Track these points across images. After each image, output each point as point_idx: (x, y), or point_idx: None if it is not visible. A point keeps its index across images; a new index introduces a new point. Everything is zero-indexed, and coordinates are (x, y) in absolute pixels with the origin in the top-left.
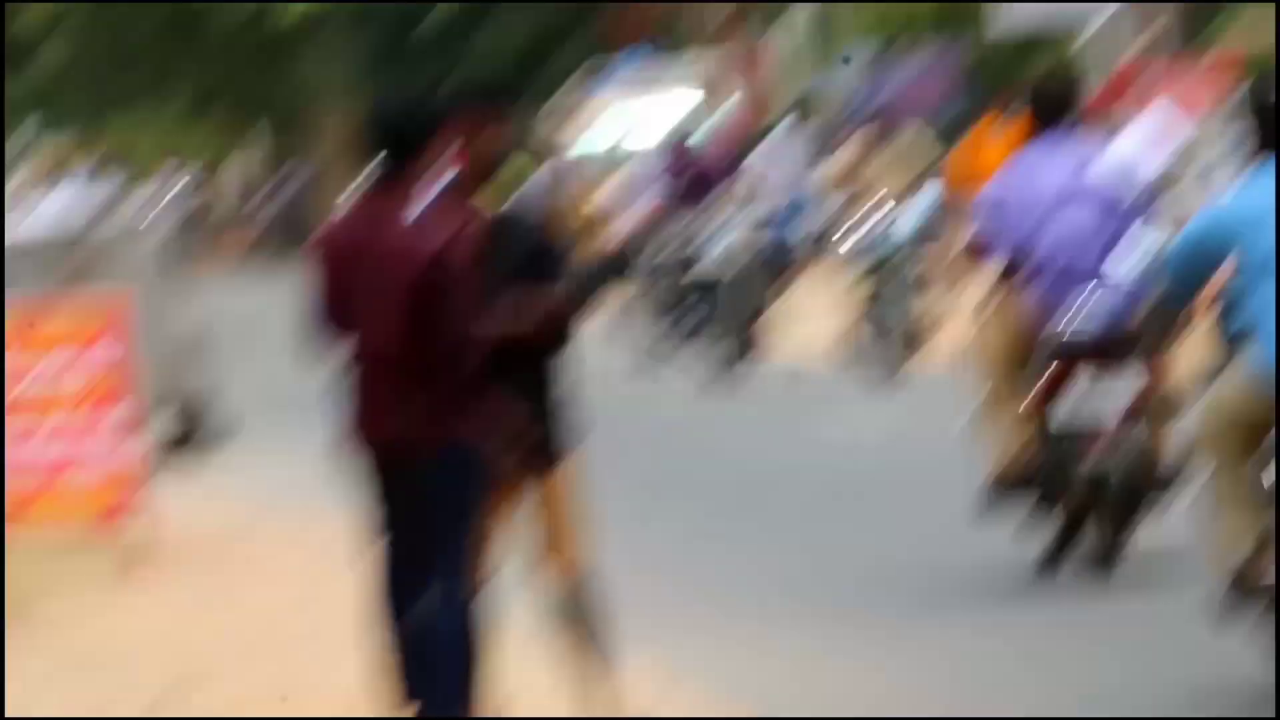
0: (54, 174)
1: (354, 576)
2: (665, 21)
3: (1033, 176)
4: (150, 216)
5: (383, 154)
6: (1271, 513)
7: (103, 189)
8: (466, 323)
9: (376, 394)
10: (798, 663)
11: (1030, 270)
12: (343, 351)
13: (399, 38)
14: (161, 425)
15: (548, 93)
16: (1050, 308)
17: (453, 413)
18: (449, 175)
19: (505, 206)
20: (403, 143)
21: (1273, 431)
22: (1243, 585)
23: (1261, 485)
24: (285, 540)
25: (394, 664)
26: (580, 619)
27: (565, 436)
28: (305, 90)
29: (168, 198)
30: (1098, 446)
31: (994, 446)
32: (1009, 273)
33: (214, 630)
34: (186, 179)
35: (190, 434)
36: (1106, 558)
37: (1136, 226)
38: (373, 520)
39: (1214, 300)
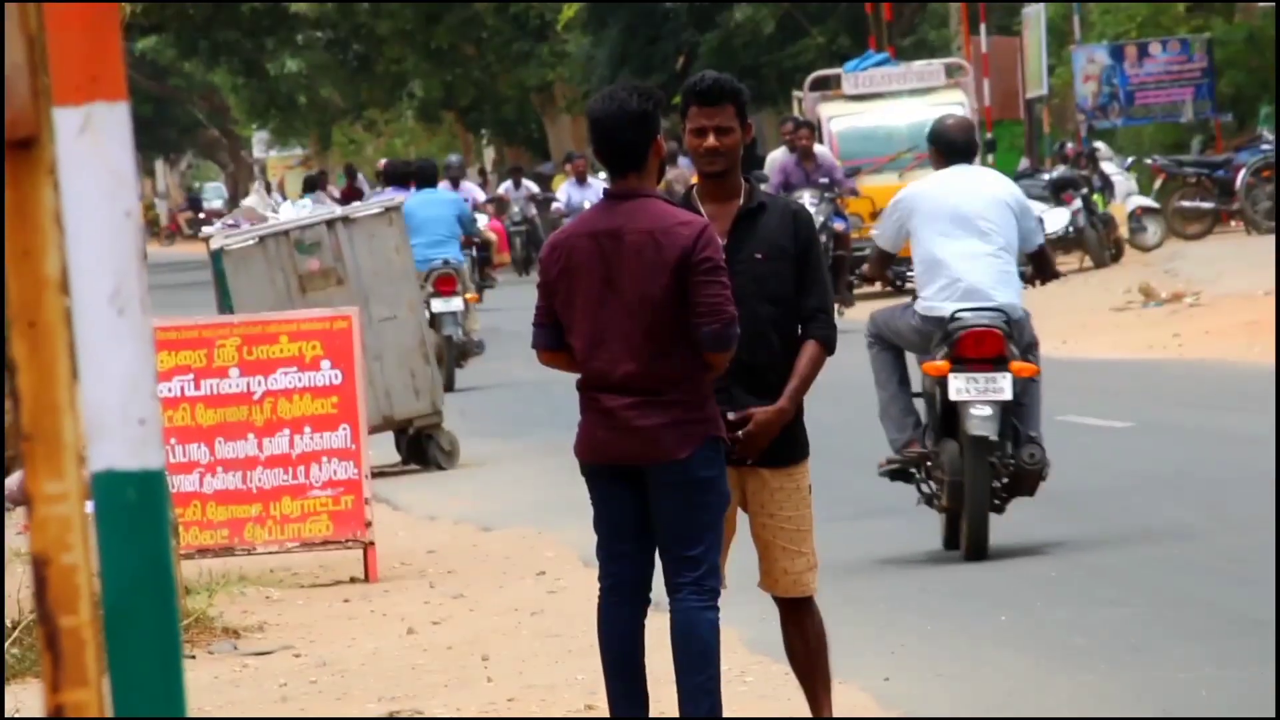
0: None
1: (581, 590)
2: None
3: None
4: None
5: (612, 163)
6: None
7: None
8: (730, 304)
9: (625, 395)
10: None
11: None
12: (573, 362)
13: (637, 37)
14: (387, 445)
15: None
16: None
17: (710, 403)
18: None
19: (756, 196)
20: (629, 151)
21: None
22: None
23: None
24: (511, 556)
25: (623, 678)
26: (798, 637)
27: (802, 439)
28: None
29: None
30: None
31: None
32: None
33: (443, 644)
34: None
35: (415, 454)
36: None
37: None
38: (607, 529)
39: None
